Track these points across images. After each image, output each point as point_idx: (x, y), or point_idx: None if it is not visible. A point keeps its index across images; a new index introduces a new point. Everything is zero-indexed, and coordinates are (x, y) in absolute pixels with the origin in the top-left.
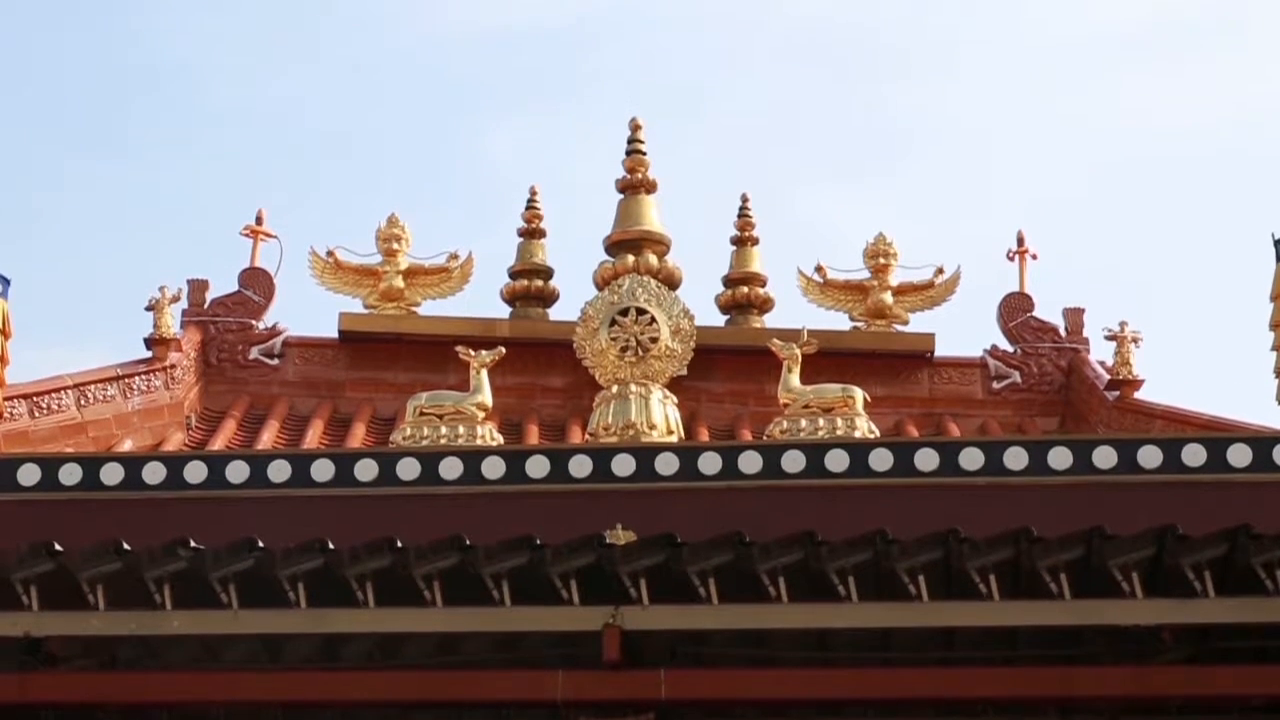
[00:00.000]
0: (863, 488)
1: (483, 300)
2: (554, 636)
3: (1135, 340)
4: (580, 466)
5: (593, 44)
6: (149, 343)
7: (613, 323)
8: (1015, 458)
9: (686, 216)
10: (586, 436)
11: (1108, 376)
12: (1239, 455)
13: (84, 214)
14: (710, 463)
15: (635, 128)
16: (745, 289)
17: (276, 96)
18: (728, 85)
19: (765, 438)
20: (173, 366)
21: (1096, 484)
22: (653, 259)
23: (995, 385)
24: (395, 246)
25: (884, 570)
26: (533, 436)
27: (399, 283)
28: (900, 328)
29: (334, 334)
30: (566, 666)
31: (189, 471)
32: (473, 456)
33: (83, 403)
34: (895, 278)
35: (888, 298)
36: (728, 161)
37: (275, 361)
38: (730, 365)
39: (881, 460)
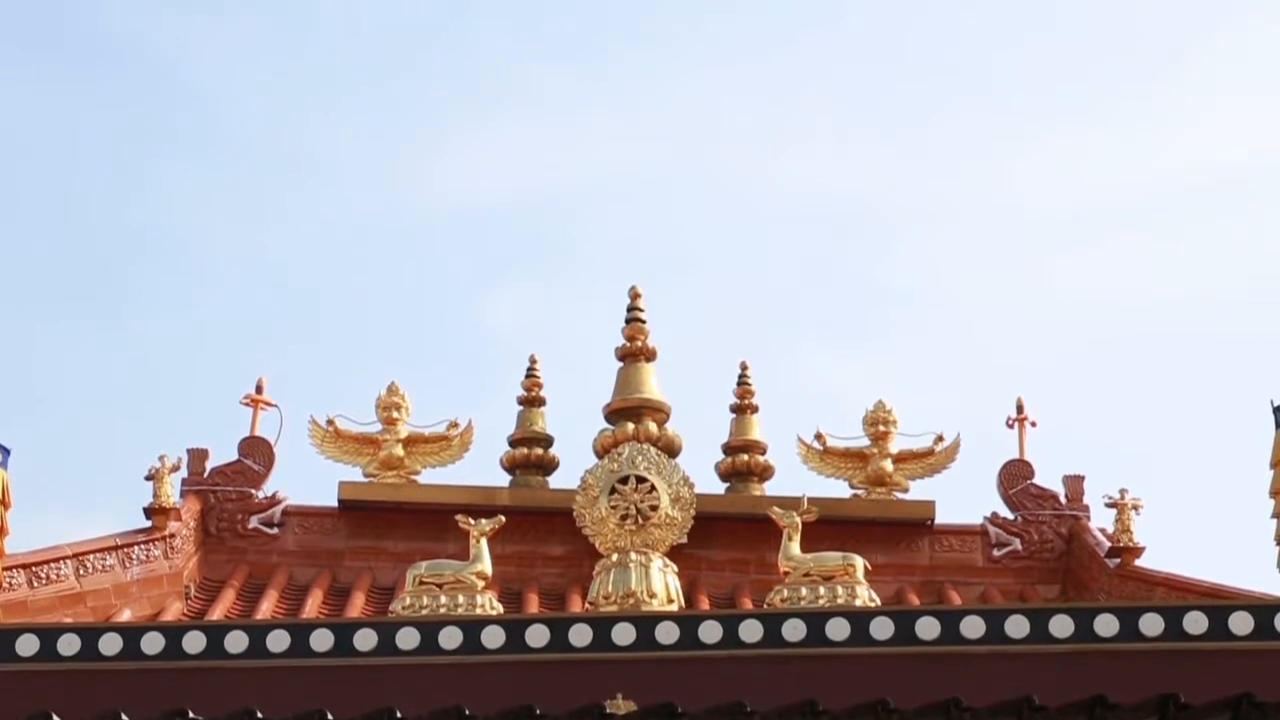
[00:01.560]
0: (864, 656)
1: (482, 468)
2: None
3: (1135, 507)
4: (580, 635)
5: (590, 212)
6: (148, 512)
7: (613, 491)
8: (1017, 626)
9: (685, 383)
10: (587, 605)
11: (1108, 544)
12: (1241, 623)
13: (84, 384)
14: (711, 631)
15: (634, 296)
16: (745, 456)
17: (274, 265)
18: (725, 251)
19: (766, 606)
20: (172, 536)
21: (1098, 652)
22: (652, 427)
23: (996, 553)
24: (395, 415)
25: None
26: (533, 605)
27: (399, 451)
28: (900, 495)
29: (334, 502)
30: None
31: (188, 641)
32: (472, 625)
33: (81, 572)
34: (895, 445)
35: (888, 465)
36: (726, 327)
37: (275, 530)
38: (730, 533)
39: (882, 629)
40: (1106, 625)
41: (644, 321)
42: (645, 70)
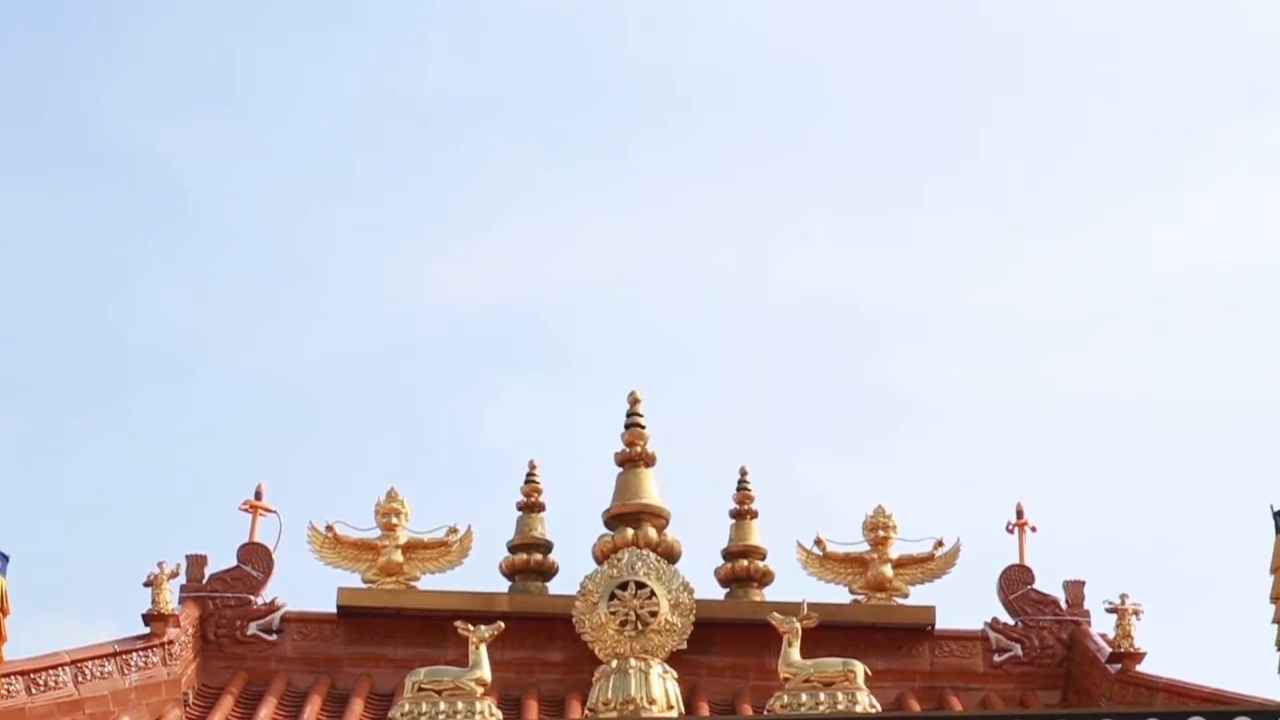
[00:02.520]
0: None
1: (482, 574)
2: None
3: (1136, 612)
4: None
5: (588, 315)
6: (147, 618)
7: (612, 597)
8: None
9: (685, 488)
10: (586, 711)
11: (1109, 649)
12: None
13: (82, 490)
14: None
15: (634, 401)
16: (745, 562)
17: (273, 369)
18: (724, 355)
19: (766, 712)
20: (171, 642)
21: None
22: (652, 532)
23: (996, 658)
24: (394, 520)
25: None
26: (532, 712)
27: (398, 557)
28: (900, 600)
29: (333, 608)
30: None
31: None
32: None
33: (80, 679)
34: (895, 550)
35: (888, 570)
36: (726, 432)
37: (273, 637)
38: (730, 639)
39: None
40: None
41: (643, 426)
42: (641, 172)
